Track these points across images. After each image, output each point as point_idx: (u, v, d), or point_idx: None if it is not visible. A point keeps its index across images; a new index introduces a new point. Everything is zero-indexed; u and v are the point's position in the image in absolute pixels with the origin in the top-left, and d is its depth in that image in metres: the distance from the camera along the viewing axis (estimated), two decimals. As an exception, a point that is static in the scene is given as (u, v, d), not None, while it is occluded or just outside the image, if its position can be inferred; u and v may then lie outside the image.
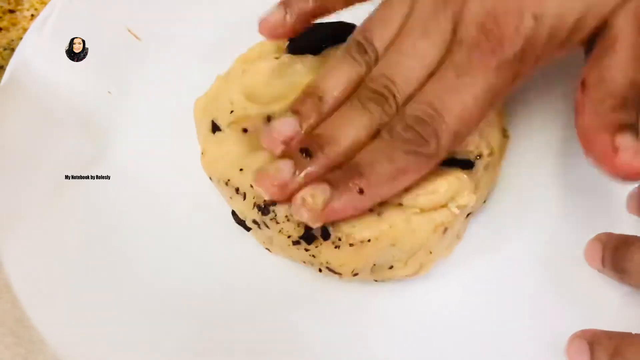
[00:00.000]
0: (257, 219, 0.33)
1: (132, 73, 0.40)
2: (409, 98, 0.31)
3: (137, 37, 0.41)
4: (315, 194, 0.29)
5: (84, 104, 0.39)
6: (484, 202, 0.35)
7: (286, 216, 0.31)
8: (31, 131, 0.37)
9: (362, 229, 0.31)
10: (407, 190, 0.31)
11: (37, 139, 0.37)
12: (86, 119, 0.38)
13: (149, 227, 0.36)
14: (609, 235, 0.32)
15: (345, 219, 0.31)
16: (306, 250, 0.32)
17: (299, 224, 0.31)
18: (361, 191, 0.29)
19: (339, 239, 0.31)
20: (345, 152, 0.30)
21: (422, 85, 0.30)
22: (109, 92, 0.40)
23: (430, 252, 0.32)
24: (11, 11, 0.46)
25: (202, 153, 0.35)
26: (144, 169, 0.37)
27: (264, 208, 0.32)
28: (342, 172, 0.30)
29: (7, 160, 0.36)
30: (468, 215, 0.33)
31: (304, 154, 0.30)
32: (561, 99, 0.37)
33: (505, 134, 0.36)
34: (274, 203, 0.31)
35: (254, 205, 0.32)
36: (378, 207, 0.31)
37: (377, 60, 0.32)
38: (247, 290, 0.33)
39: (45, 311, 0.32)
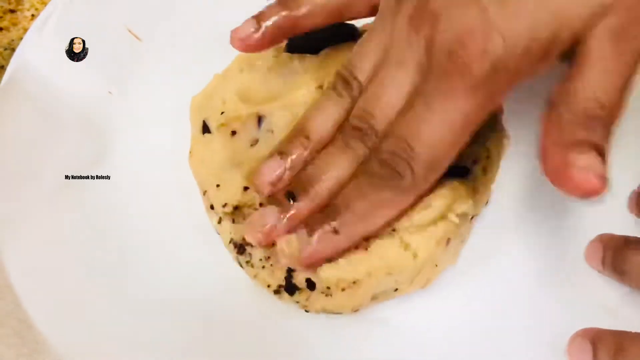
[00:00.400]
0: (233, 255, 0.33)
1: (133, 73, 0.40)
2: (386, 132, 0.30)
3: (137, 38, 0.41)
4: (291, 241, 0.30)
5: (84, 104, 0.39)
6: (486, 203, 0.35)
7: (261, 260, 0.31)
8: (31, 131, 0.37)
9: (351, 271, 0.30)
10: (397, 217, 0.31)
11: (37, 139, 0.37)
12: (87, 119, 0.38)
13: (150, 227, 0.36)
14: (609, 236, 0.32)
15: (329, 259, 0.30)
16: (297, 302, 0.32)
17: (274, 271, 0.31)
18: (336, 231, 0.30)
19: (328, 288, 0.31)
20: (329, 192, 0.31)
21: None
22: (110, 92, 0.40)
23: (436, 265, 0.32)
24: (12, 11, 0.46)
25: (190, 152, 0.35)
26: (144, 168, 0.37)
27: (240, 246, 0.32)
28: (320, 215, 0.30)
29: (8, 160, 0.36)
30: (472, 218, 0.33)
31: (289, 198, 0.31)
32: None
33: (504, 135, 0.36)
34: (249, 244, 0.31)
35: (230, 241, 0.32)
36: (364, 242, 0.31)
37: (361, 93, 0.32)
38: (249, 290, 0.33)
39: (47, 312, 0.31)
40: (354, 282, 0.30)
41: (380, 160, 0.30)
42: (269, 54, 0.37)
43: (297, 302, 0.32)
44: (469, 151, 0.33)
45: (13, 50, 0.40)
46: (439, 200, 0.31)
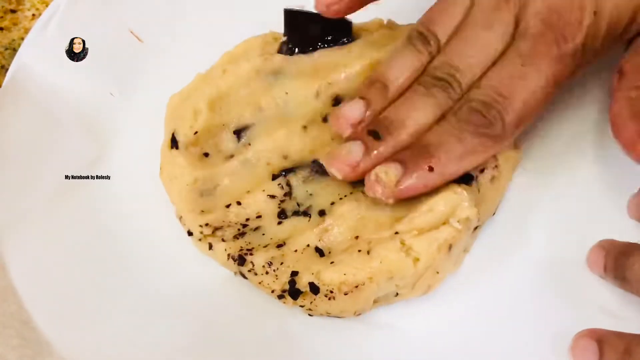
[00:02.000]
0: (234, 270, 0.33)
1: (134, 75, 0.40)
2: (472, 85, 0.32)
3: (139, 39, 0.41)
4: (389, 171, 0.31)
5: (86, 105, 0.39)
6: (494, 214, 0.34)
7: (263, 266, 0.31)
8: (33, 132, 0.37)
9: (354, 274, 0.30)
10: (399, 219, 0.31)
11: (39, 140, 0.37)
12: (88, 120, 0.39)
13: (150, 226, 0.36)
14: (611, 243, 0.32)
15: (416, 195, 0.32)
16: (301, 306, 0.32)
17: (277, 276, 0.31)
18: (431, 169, 0.31)
19: (331, 292, 0.31)
20: (412, 135, 0.32)
21: (485, 73, 0.32)
22: (111, 93, 0.40)
23: (438, 272, 0.32)
24: (12, 11, 0.46)
25: (161, 168, 0.35)
26: (144, 168, 0.37)
27: (240, 258, 0.32)
28: (412, 152, 0.32)
29: (9, 161, 0.36)
30: (476, 228, 0.33)
31: (373, 137, 0.32)
32: (571, 110, 0.37)
33: (516, 147, 0.35)
34: (249, 252, 0.32)
35: (229, 257, 0.32)
36: (367, 245, 0.31)
37: (439, 50, 0.34)
38: (250, 292, 0.33)
39: (49, 312, 0.32)
40: (357, 287, 0.30)
41: (471, 108, 0.32)
42: (255, 54, 0.36)
43: (301, 306, 0.32)
44: None
45: (14, 50, 0.40)
46: (440, 205, 0.31)
